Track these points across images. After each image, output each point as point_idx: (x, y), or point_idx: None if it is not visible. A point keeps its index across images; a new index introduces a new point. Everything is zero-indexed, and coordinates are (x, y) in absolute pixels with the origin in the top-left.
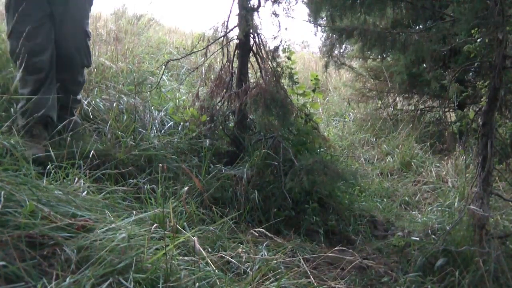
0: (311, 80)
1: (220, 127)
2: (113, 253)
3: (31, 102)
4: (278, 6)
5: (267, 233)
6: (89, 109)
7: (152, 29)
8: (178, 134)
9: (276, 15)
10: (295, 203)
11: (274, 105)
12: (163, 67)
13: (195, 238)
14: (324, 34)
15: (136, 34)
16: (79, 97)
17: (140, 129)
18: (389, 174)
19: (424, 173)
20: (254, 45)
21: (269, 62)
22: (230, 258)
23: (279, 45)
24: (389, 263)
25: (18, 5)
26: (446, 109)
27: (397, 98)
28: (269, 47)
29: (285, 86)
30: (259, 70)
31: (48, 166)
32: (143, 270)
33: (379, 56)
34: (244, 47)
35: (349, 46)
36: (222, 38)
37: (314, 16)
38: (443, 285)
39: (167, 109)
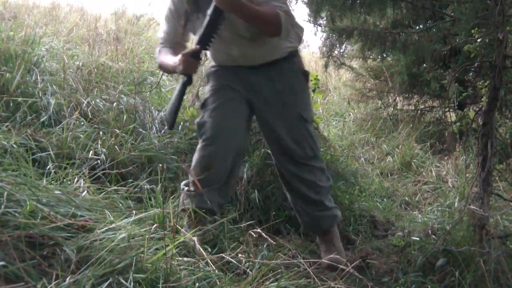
0: (311, 80)
1: None
2: (113, 253)
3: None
4: None
5: (265, 235)
6: (89, 109)
7: (152, 29)
8: (178, 134)
9: None
10: None
11: None
12: None
13: (195, 238)
14: (324, 34)
15: (136, 34)
16: (327, 202)
17: (140, 129)
18: (389, 174)
19: (424, 173)
20: None
21: None
22: (230, 258)
23: None
24: (389, 263)
25: (216, 80)
26: (446, 109)
27: (397, 98)
28: None
29: None
30: None
31: (48, 166)
32: (143, 270)
33: (379, 56)
34: None
35: (349, 46)
36: None
37: (314, 16)
38: (443, 285)
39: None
